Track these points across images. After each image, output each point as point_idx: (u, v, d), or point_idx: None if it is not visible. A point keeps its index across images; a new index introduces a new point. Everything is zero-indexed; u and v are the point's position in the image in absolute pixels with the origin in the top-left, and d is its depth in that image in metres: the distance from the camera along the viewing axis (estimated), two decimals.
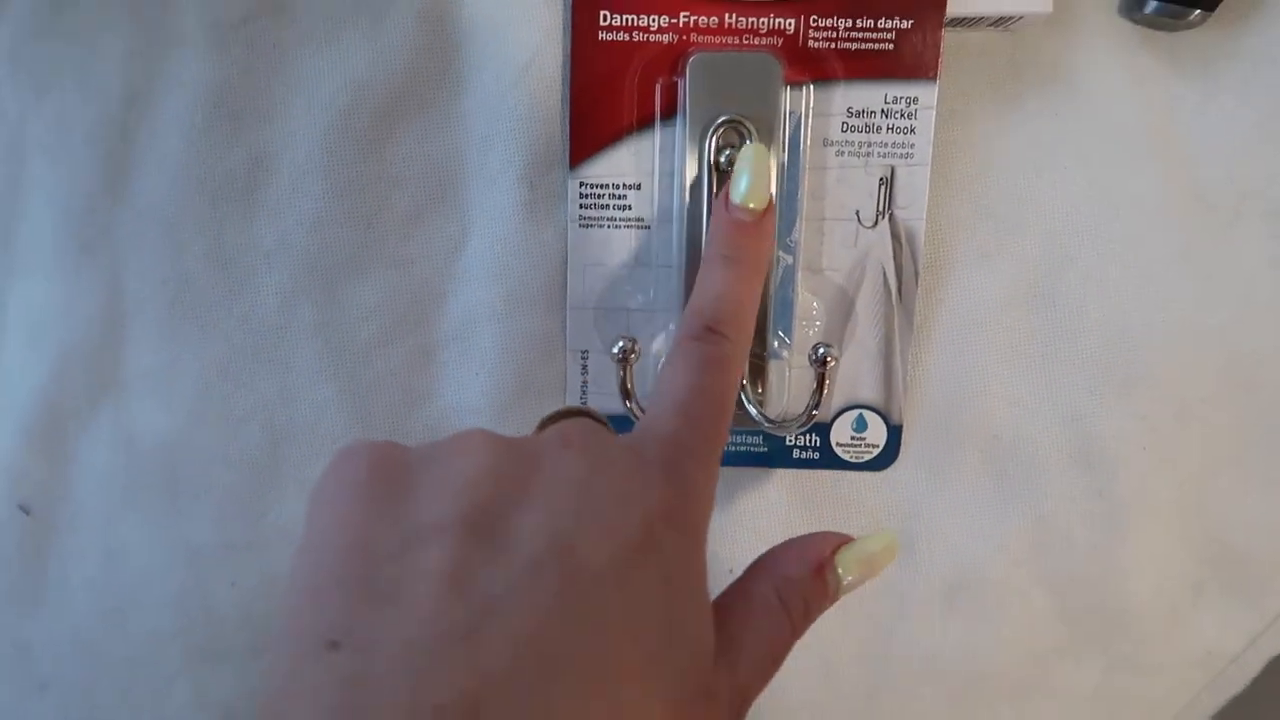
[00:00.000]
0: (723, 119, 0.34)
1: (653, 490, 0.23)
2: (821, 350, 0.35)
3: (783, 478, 0.39)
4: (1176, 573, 0.40)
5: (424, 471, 0.22)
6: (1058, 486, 0.39)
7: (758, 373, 0.37)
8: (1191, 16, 0.36)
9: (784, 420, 0.37)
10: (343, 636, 0.19)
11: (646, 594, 0.21)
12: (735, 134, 0.35)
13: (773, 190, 0.32)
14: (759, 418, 0.36)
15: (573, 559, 0.21)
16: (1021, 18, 0.35)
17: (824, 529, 0.37)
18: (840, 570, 0.27)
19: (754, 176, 0.30)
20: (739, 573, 0.38)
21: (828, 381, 0.35)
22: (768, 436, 0.38)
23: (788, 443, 0.38)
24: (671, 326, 0.37)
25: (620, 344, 0.35)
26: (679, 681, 0.21)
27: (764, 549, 0.38)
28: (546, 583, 0.20)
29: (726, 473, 0.39)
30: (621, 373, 0.35)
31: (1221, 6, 0.36)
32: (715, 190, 0.35)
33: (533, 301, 0.37)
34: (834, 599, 0.27)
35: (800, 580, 0.27)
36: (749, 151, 0.30)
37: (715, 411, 0.27)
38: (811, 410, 0.35)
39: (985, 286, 0.38)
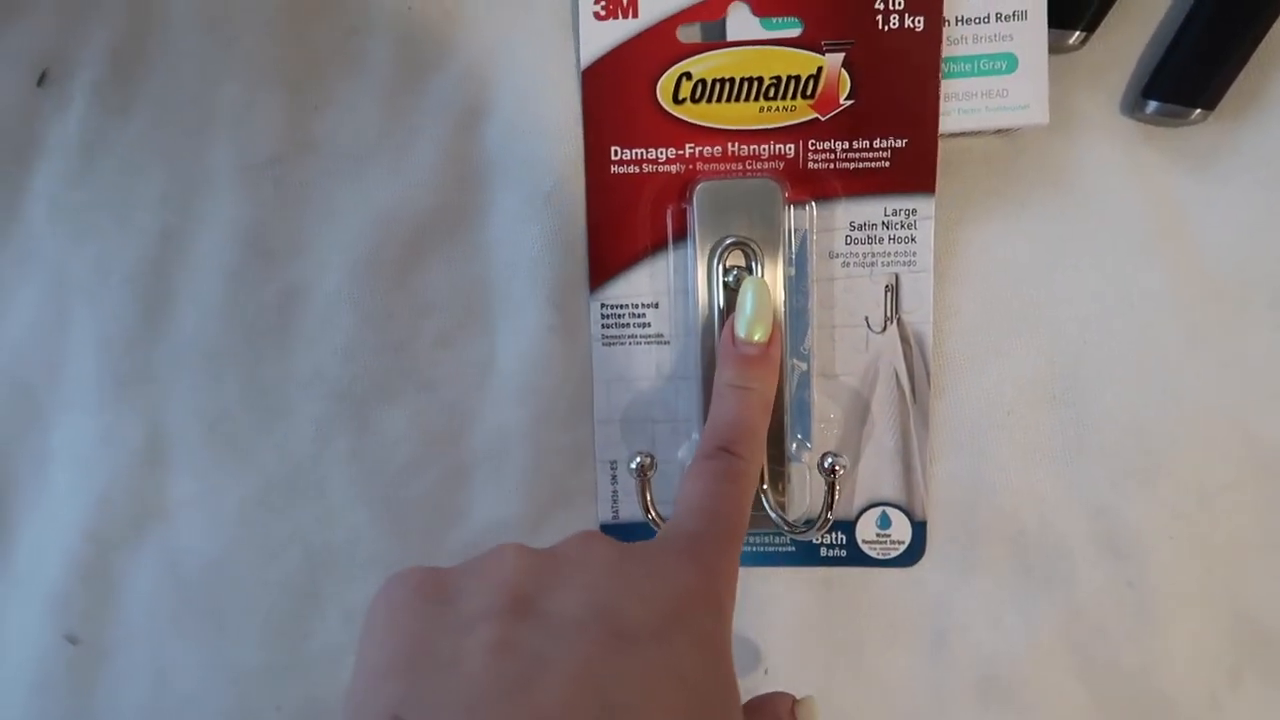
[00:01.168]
0: (730, 240, 0.39)
1: (682, 570, 0.26)
2: (830, 460, 0.38)
3: (813, 577, 0.42)
4: (1212, 659, 0.42)
5: (465, 580, 0.26)
6: (1086, 578, 0.42)
7: (778, 478, 0.41)
8: (1193, 115, 0.39)
9: (806, 522, 0.41)
10: (404, 709, 0.21)
11: (684, 655, 0.24)
12: (741, 253, 0.39)
13: (775, 319, 0.36)
14: (779, 521, 0.40)
15: (613, 620, 0.24)
16: (1019, 129, 0.39)
17: (857, 627, 0.41)
18: None
19: (755, 311, 0.34)
20: (774, 673, 0.41)
21: (838, 489, 0.39)
22: (795, 538, 0.42)
23: (815, 541, 0.42)
24: (695, 435, 0.41)
25: (638, 459, 0.39)
26: None
27: (798, 649, 0.42)
28: (591, 637, 0.23)
29: (758, 574, 0.42)
30: (640, 485, 0.39)
31: (1221, 104, 0.40)
32: (725, 306, 0.39)
33: (561, 417, 0.42)
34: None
35: None
36: (749, 287, 0.35)
37: (733, 511, 0.30)
38: (825, 516, 0.39)
39: (999, 384, 0.42)
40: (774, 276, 0.39)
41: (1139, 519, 0.41)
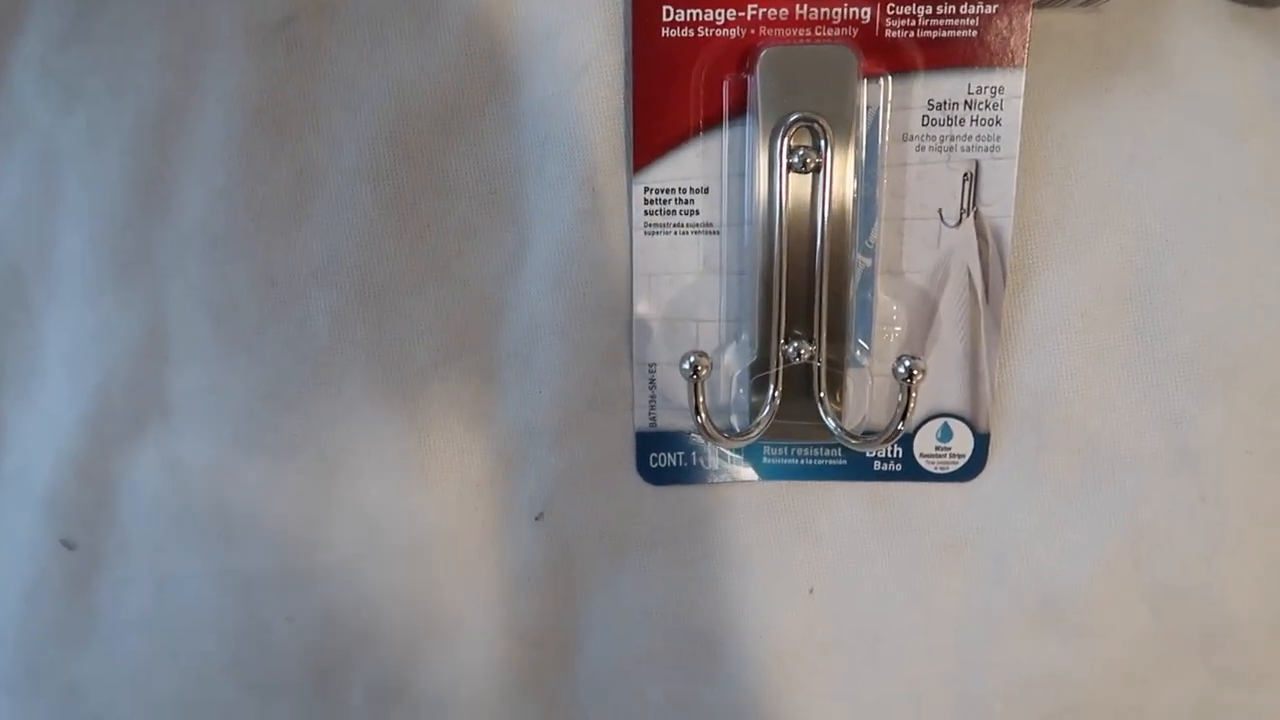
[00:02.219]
0: (796, 117, 0.34)
1: None
2: (908, 363, 0.34)
3: (863, 490, 0.39)
4: None
5: None
6: (1157, 494, 0.38)
7: (835, 383, 0.36)
8: None
9: (864, 434, 0.36)
10: None
11: None
12: (809, 132, 0.34)
13: None
14: (838, 432, 0.35)
15: None
16: None
17: (910, 546, 0.37)
18: None
19: None
20: (819, 594, 0.37)
21: (914, 396, 0.34)
22: (847, 450, 0.37)
23: (868, 454, 0.38)
24: (744, 337, 0.37)
25: (691, 359, 0.34)
26: None
27: (846, 569, 0.38)
28: None
29: (804, 487, 0.38)
30: (692, 388, 0.35)
31: None
32: (788, 192, 0.34)
33: (596, 313, 0.37)
34: None
35: None
36: None
37: None
38: (896, 427, 0.35)
39: (1075, 285, 0.37)
40: (844, 160, 0.34)
41: (1215, 430, 0.38)
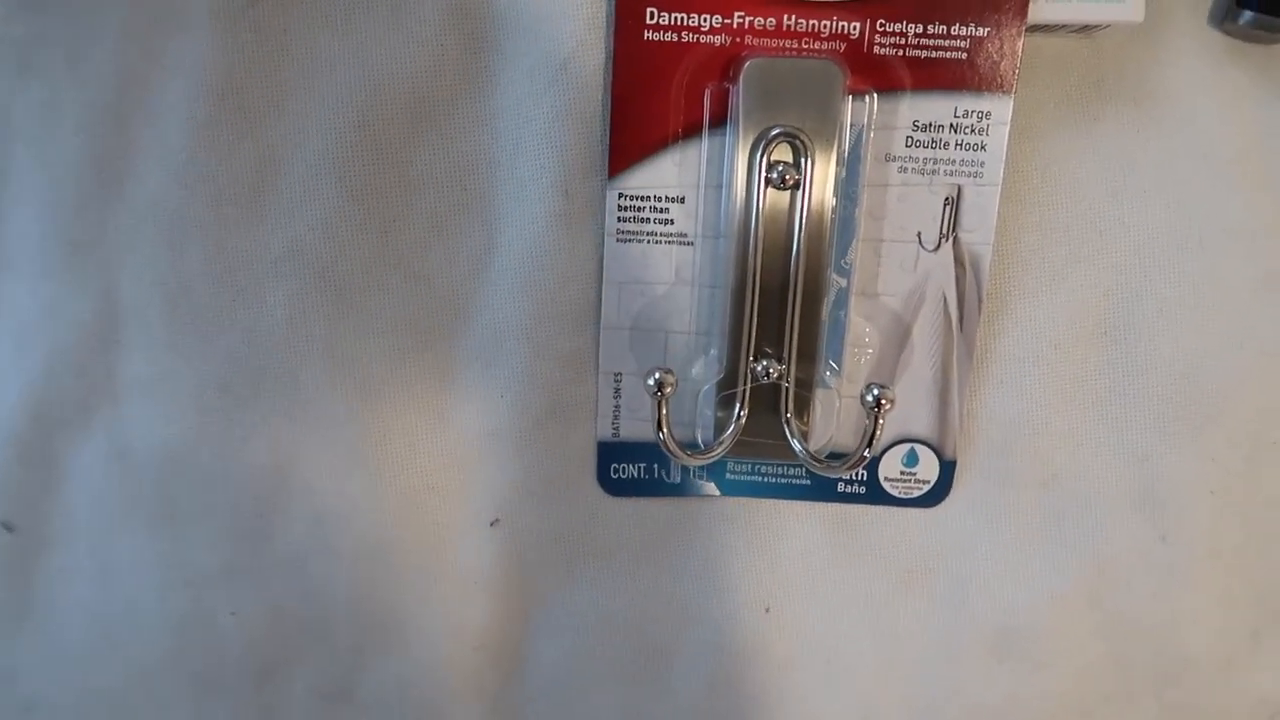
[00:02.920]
0: (777, 130, 0.32)
1: None
2: (876, 391, 0.32)
3: (825, 511, 0.37)
4: (1235, 620, 0.39)
5: None
6: (1119, 530, 0.37)
7: (803, 403, 0.35)
8: None
9: (830, 456, 0.35)
10: None
11: None
12: (789, 147, 0.32)
13: None
14: (803, 455, 0.34)
15: None
16: (1107, 25, 0.33)
17: (870, 569, 0.36)
18: None
19: None
20: (776, 612, 0.36)
21: (880, 425, 0.33)
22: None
23: (820, 473, 0.36)
24: (713, 351, 0.35)
25: (656, 375, 0.33)
26: None
27: (804, 589, 0.37)
28: None
29: (766, 505, 0.37)
30: (656, 404, 0.33)
31: None
32: (765, 206, 0.33)
33: (563, 320, 0.36)
34: None
35: None
36: None
37: None
38: (862, 454, 0.33)
39: (1050, 316, 0.36)
40: (824, 177, 0.32)
41: (1182, 470, 0.37)
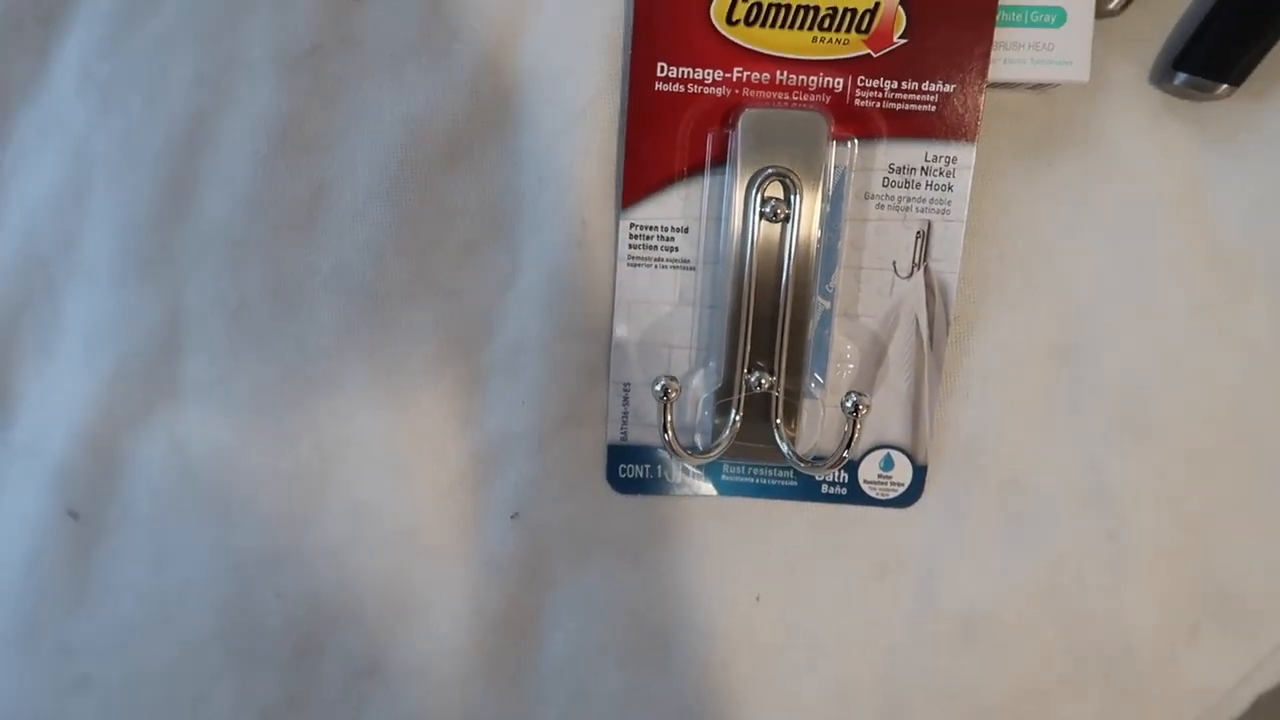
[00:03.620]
0: (770, 170, 0.36)
1: None
2: (854, 398, 0.36)
3: (810, 510, 0.41)
4: (1177, 613, 0.42)
5: None
6: (1071, 529, 0.41)
7: (791, 411, 0.39)
8: (1219, 90, 0.38)
9: (815, 459, 0.39)
10: None
11: None
12: (781, 185, 0.36)
13: None
14: (791, 456, 0.38)
15: None
16: (1058, 84, 0.37)
17: (849, 561, 0.40)
18: None
19: None
20: (765, 600, 0.40)
21: (859, 428, 0.37)
22: (798, 472, 0.40)
23: (817, 478, 0.40)
24: (712, 364, 0.39)
25: (662, 382, 0.37)
26: None
27: (790, 579, 0.41)
28: None
29: (757, 504, 0.40)
30: (662, 409, 0.37)
31: (1246, 81, 0.38)
32: (760, 237, 0.37)
33: (579, 334, 0.39)
34: None
35: None
36: None
37: None
38: (842, 454, 0.37)
39: (1010, 338, 0.40)
40: (811, 212, 0.36)
41: (1126, 477, 0.41)
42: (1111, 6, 0.38)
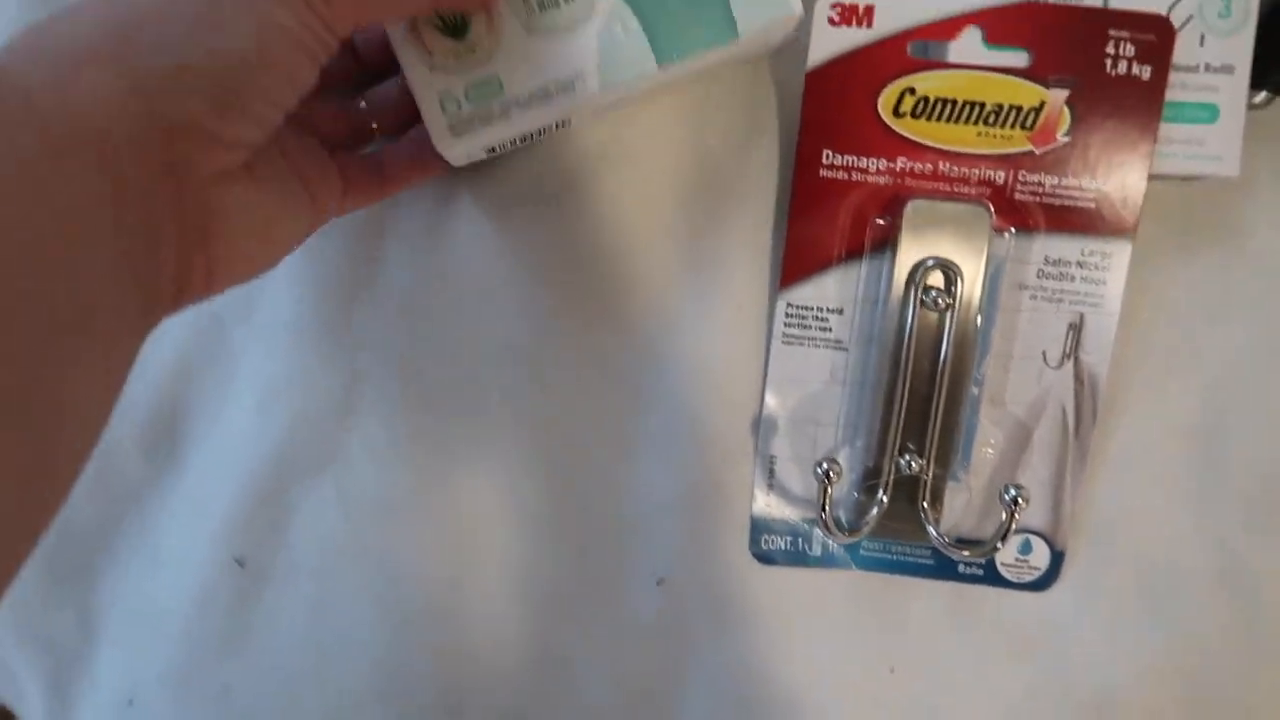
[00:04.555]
0: (932, 261, 0.36)
1: None
2: (1013, 491, 0.36)
3: (946, 589, 0.41)
4: None
5: None
6: (1205, 612, 0.40)
7: (938, 494, 0.39)
8: None
9: (958, 540, 0.39)
10: None
11: None
12: (941, 274, 0.37)
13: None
14: (940, 542, 0.38)
15: None
16: (1207, 176, 0.37)
17: (983, 639, 0.40)
18: None
19: None
20: (899, 672, 0.40)
21: (1015, 521, 0.37)
22: (936, 550, 0.40)
23: (954, 557, 0.40)
24: (858, 443, 0.39)
25: (824, 465, 0.37)
26: None
27: (924, 653, 0.41)
28: None
29: (894, 581, 0.41)
30: (822, 491, 0.37)
31: None
32: (917, 324, 0.37)
33: (729, 407, 0.40)
34: None
35: None
36: None
37: None
38: (995, 545, 0.37)
39: (1151, 421, 0.40)
40: (970, 300, 0.36)
41: (1264, 564, 0.40)
42: (1257, 101, 0.38)
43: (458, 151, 0.33)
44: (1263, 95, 0.38)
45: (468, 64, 0.32)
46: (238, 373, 0.40)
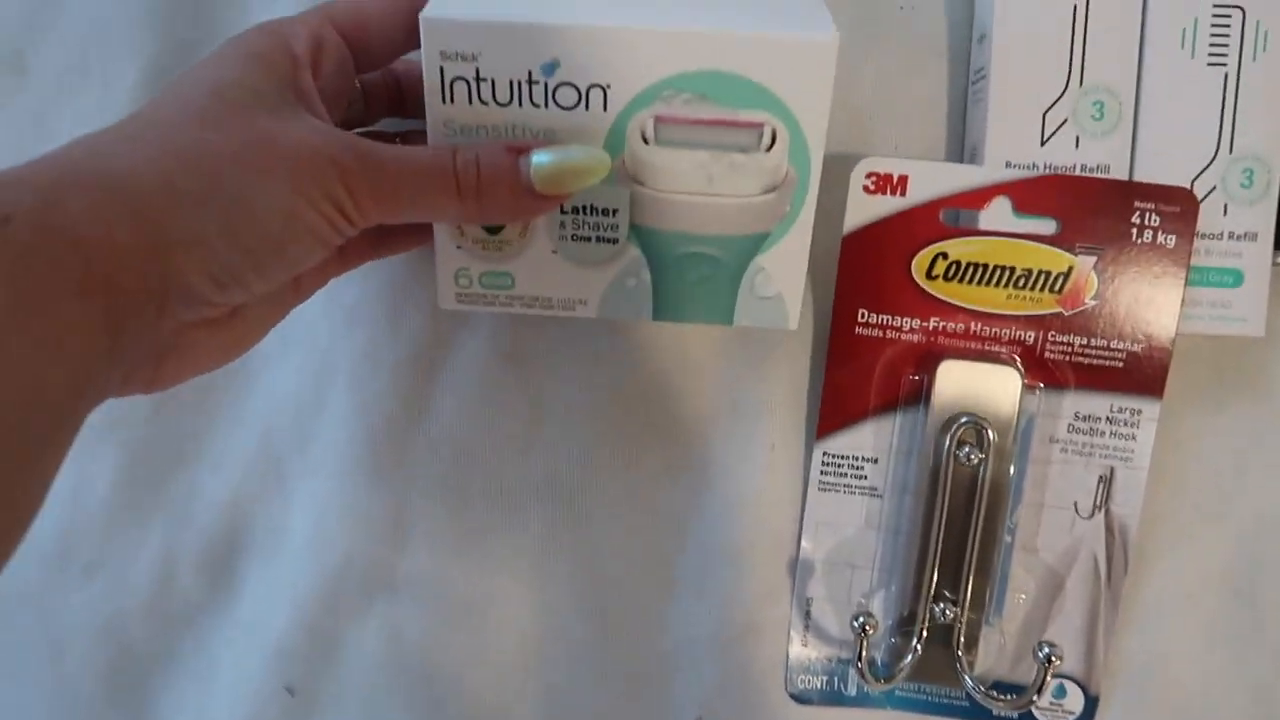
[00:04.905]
0: (966, 419, 0.38)
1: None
2: (1048, 649, 0.37)
3: None
4: None
5: None
6: None
7: (972, 641, 0.39)
8: None
9: (993, 686, 0.39)
10: None
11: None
12: (974, 432, 0.38)
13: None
14: (975, 691, 0.38)
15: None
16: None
17: None
18: (534, 161, 0.29)
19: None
20: None
21: (1049, 676, 0.37)
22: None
23: (990, 707, 0.40)
24: (893, 588, 0.40)
25: (861, 618, 0.38)
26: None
27: None
28: None
29: (927, 718, 0.41)
30: (858, 642, 0.38)
31: None
32: (950, 477, 0.38)
33: (767, 549, 0.41)
34: (516, 189, 0.29)
35: (486, 150, 0.29)
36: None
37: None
38: (1030, 698, 0.37)
39: (1184, 569, 0.40)
40: (1002, 457, 0.37)
41: None
42: (1279, 261, 0.39)
43: (454, 308, 0.35)
44: None
45: (491, 255, 0.34)
46: (292, 508, 0.42)
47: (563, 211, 0.33)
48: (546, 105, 0.31)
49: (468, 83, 0.30)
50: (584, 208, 0.33)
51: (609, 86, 0.30)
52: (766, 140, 0.32)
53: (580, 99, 0.31)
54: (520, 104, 0.31)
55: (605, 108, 0.31)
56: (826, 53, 0.30)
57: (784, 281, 0.35)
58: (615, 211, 0.33)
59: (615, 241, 0.33)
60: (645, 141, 0.31)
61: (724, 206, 0.33)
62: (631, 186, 0.32)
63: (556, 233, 0.34)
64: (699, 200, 0.32)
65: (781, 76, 0.30)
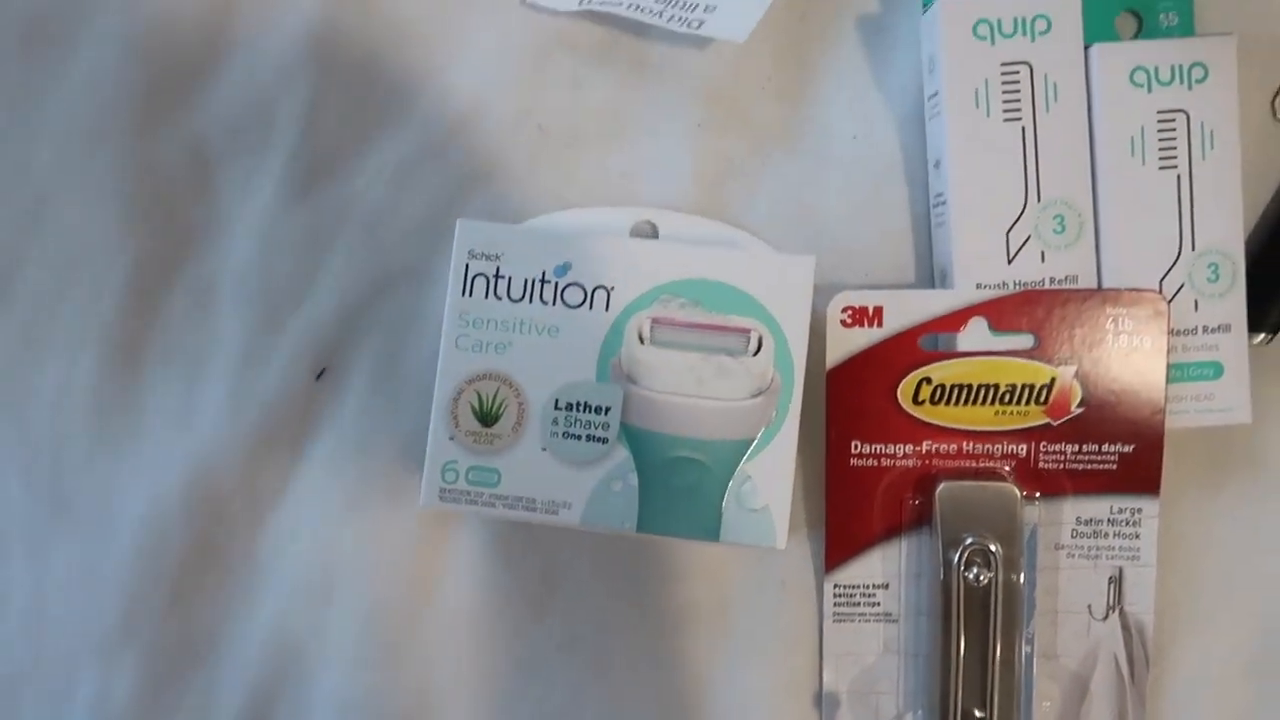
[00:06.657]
0: (972, 541, 0.37)
1: None
2: None
3: None
4: None
5: None
6: None
7: None
8: None
9: None
10: None
11: None
12: (981, 552, 0.37)
13: None
14: None
15: None
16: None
17: None
18: None
19: None
20: None
21: None
22: None
23: None
24: (919, 711, 0.39)
25: None
26: None
27: None
28: None
29: None
30: None
31: None
32: (963, 598, 0.37)
33: (789, 687, 0.40)
34: None
35: None
36: None
37: None
38: None
39: (1204, 657, 0.40)
40: (1011, 572, 0.37)
41: None
42: (1256, 342, 0.39)
43: (435, 507, 0.35)
44: (1263, 337, 0.40)
45: (482, 448, 0.34)
46: (313, 697, 0.41)
47: (556, 407, 0.33)
48: (554, 303, 0.33)
49: (487, 279, 0.33)
50: (578, 404, 0.33)
51: (613, 288, 0.33)
52: (753, 345, 0.33)
53: (585, 298, 0.33)
54: (531, 300, 0.33)
55: (608, 307, 0.33)
56: (805, 267, 0.34)
57: (771, 493, 0.35)
58: (608, 410, 0.33)
59: (605, 441, 0.33)
60: (641, 341, 0.32)
61: (712, 409, 0.34)
62: (625, 385, 0.33)
63: (549, 429, 0.33)
64: (689, 402, 0.33)
65: (766, 287, 0.33)
